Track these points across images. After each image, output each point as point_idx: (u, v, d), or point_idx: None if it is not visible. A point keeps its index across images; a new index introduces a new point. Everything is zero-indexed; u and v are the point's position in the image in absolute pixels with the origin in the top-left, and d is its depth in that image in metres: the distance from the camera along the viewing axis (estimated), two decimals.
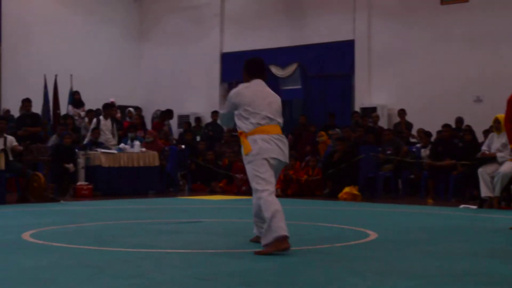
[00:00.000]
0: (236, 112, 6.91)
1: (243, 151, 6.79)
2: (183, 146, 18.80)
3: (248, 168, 6.73)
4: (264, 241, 6.50)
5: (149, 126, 21.58)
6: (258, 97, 6.85)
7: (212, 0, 23.48)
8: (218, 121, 6.41)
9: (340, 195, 15.24)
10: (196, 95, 23.40)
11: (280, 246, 6.41)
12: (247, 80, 7.10)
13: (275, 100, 7.00)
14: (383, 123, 18.90)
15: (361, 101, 20.08)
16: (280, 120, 6.92)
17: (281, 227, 6.43)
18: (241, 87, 7.00)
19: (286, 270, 5.72)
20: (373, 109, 19.23)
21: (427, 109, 18.59)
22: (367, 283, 5.18)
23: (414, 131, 17.81)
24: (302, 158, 17.43)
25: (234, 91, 6.99)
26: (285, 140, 6.88)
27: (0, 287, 4.93)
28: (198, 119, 21.92)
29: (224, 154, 18.41)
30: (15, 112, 19.43)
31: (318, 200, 14.72)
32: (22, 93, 18.33)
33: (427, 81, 18.97)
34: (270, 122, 6.78)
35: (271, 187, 6.62)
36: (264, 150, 6.65)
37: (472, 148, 14.78)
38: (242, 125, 6.81)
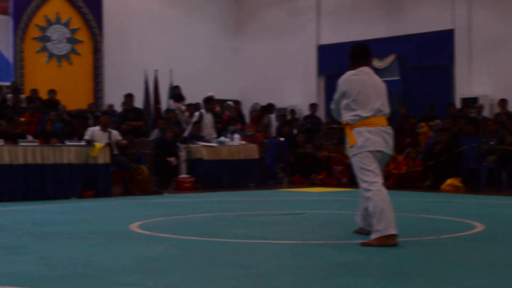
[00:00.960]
0: (343, 102, 6.78)
1: (347, 143, 6.74)
2: (281, 139, 18.85)
3: (354, 160, 6.65)
4: (373, 235, 6.45)
5: (247, 119, 21.74)
6: (367, 87, 6.71)
7: None
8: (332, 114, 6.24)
9: (442, 186, 14.99)
10: (293, 88, 23.43)
11: (387, 242, 6.32)
12: (353, 68, 6.92)
13: (383, 89, 6.87)
14: (485, 113, 18.47)
15: (461, 91, 19.70)
16: (388, 110, 6.83)
17: (390, 225, 6.35)
18: (350, 74, 6.84)
19: (393, 262, 5.68)
20: (474, 100, 18.83)
21: None
22: (476, 275, 5.11)
23: None
24: (402, 150, 17.21)
25: (343, 78, 6.84)
26: (391, 131, 6.79)
27: (115, 276, 5.08)
28: (292, 112, 21.90)
29: (323, 147, 18.37)
30: (118, 107, 19.92)
31: (419, 192, 14.53)
32: (124, 89, 18.77)
33: None
34: (378, 114, 6.67)
35: (379, 179, 6.54)
36: (369, 142, 6.57)
37: None
38: (348, 116, 6.71)
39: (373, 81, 6.81)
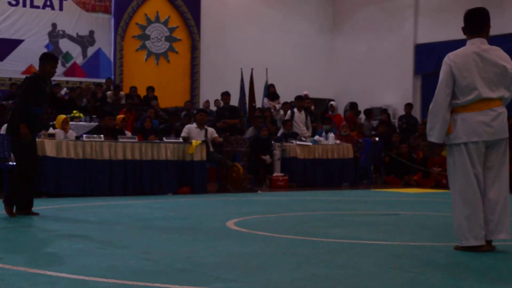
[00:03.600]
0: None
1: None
2: (376, 139, 18.73)
3: None
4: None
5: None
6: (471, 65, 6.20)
7: None
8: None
9: None
10: (389, 87, 23.25)
11: (477, 249, 6.11)
12: (468, 38, 6.37)
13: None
14: None
15: None
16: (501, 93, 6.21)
17: (474, 235, 6.10)
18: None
19: (491, 265, 5.57)
20: None
21: None
22: None
23: None
24: None
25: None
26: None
27: (215, 272, 5.16)
28: (384, 111, 21.55)
29: (419, 147, 18.14)
30: (213, 105, 20.18)
31: None
32: (219, 87, 19.01)
33: None
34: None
35: None
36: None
37: None
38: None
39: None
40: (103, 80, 20.80)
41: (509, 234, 6.14)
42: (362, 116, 21.50)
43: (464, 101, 6.15)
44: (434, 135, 6.26)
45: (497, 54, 6.25)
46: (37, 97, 8.92)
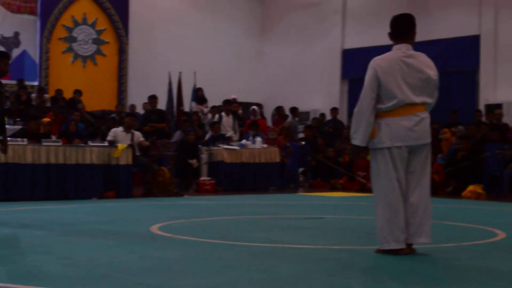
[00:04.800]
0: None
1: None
2: (303, 143, 18.86)
3: None
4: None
5: (269, 122, 21.75)
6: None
7: None
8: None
9: (463, 193, 14.93)
10: (317, 92, 23.44)
11: (397, 252, 6.20)
12: (394, 43, 6.41)
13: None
14: (510, 120, 18.37)
15: (486, 97, 19.61)
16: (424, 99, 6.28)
17: (394, 238, 6.19)
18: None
19: (410, 268, 5.66)
20: (499, 106, 18.74)
21: None
22: (498, 284, 5.08)
23: None
24: None
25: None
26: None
27: (136, 277, 5.11)
28: (317, 116, 21.83)
29: (345, 151, 18.35)
30: (141, 109, 20.01)
31: (441, 198, 14.46)
32: (147, 90, 18.88)
33: None
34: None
35: None
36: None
37: None
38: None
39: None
40: (33, 83, 20.42)
41: (429, 238, 6.25)
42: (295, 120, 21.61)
43: (388, 106, 6.21)
44: (358, 138, 6.31)
45: (422, 60, 6.33)
46: None
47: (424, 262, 5.93)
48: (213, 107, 19.72)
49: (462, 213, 11.39)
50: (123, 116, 17.52)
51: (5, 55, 8.78)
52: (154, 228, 8.17)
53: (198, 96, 20.99)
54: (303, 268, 5.59)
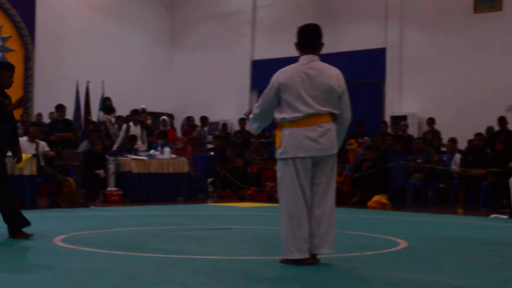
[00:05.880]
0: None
1: None
2: (212, 153, 18.85)
3: None
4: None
5: (179, 132, 21.65)
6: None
7: (243, 8, 23.60)
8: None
9: (369, 203, 15.19)
10: (226, 102, 23.47)
11: (301, 263, 6.24)
12: (300, 54, 6.45)
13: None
14: (413, 131, 18.83)
15: (391, 109, 20.03)
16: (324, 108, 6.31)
17: (298, 248, 6.23)
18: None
19: (315, 278, 5.70)
20: (404, 118, 19.16)
21: (459, 118, 18.49)
22: None
23: (445, 140, 17.67)
24: None
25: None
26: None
27: None
28: (224, 126, 21.80)
29: (253, 161, 18.44)
30: (47, 118, 19.63)
31: (347, 208, 14.67)
32: (54, 99, 18.54)
33: (459, 89, 18.87)
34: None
35: None
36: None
37: (504, 157, 14.67)
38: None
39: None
40: None
41: (332, 248, 6.29)
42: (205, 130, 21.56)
43: (292, 117, 6.23)
44: (254, 127, 6.67)
45: (327, 72, 6.35)
46: None
47: (328, 272, 5.97)
48: (119, 117, 19.45)
49: (366, 223, 11.57)
50: (28, 125, 17.13)
51: (9, 67, 8.56)
52: (57, 240, 7.99)
53: (106, 105, 20.73)
54: (208, 279, 5.55)
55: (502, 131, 16.72)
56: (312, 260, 6.27)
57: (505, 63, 18.29)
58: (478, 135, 15.87)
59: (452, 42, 19.21)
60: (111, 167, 15.79)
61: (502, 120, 16.81)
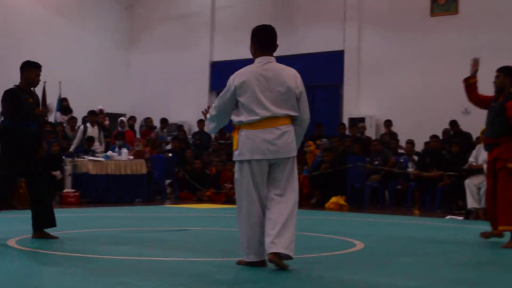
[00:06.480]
0: None
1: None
2: (170, 155, 18.78)
3: None
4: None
5: (138, 134, 21.50)
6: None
7: (202, 9, 23.54)
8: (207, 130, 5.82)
9: (327, 205, 15.26)
10: (185, 103, 23.37)
11: (256, 265, 6.23)
12: (256, 56, 6.42)
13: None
14: (371, 133, 18.96)
15: (349, 111, 20.13)
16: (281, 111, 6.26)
17: (253, 251, 6.24)
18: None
19: (271, 280, 5.70)
20: (361, 120, 19.29)
21: (416, 120, 18.63)
22: None
23: (402, 142, 17.81)
24: None
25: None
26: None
27: None
28: (181, 127, 21.72)
29: (212, 163, 18.41)
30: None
31: (304, 209, 14.71)
32: None
33: (416, 92, 19.02)
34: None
35: None
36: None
37: (459, 159, 14.84)
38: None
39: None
40: None
41: (286, 249, 6.20)
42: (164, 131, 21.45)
43: (249, 120, 6.20)
44: (211, 127, 6.64)
45: (284, 73, 6.30)
46: (19, 111, 8.24)
47: (283, 273, 5.97)
48: (72, 118, 19.21)
49: (324, 224, 11.62)
50: None
51: (37, 66, 8.64)
52: (11, 242, 7.89)
53: (63, 106, 20.49)
54: (160, 282, 5.51)
55: (457, 133, 16.92)
56: (268, 261, 6.20)
57: (461, 66, 18.39)
58: (434, 137, 16.02)
59: (410, 44, 19.38)
60: (68, 168, 15.64)
61: (453, 124, 17.08)
